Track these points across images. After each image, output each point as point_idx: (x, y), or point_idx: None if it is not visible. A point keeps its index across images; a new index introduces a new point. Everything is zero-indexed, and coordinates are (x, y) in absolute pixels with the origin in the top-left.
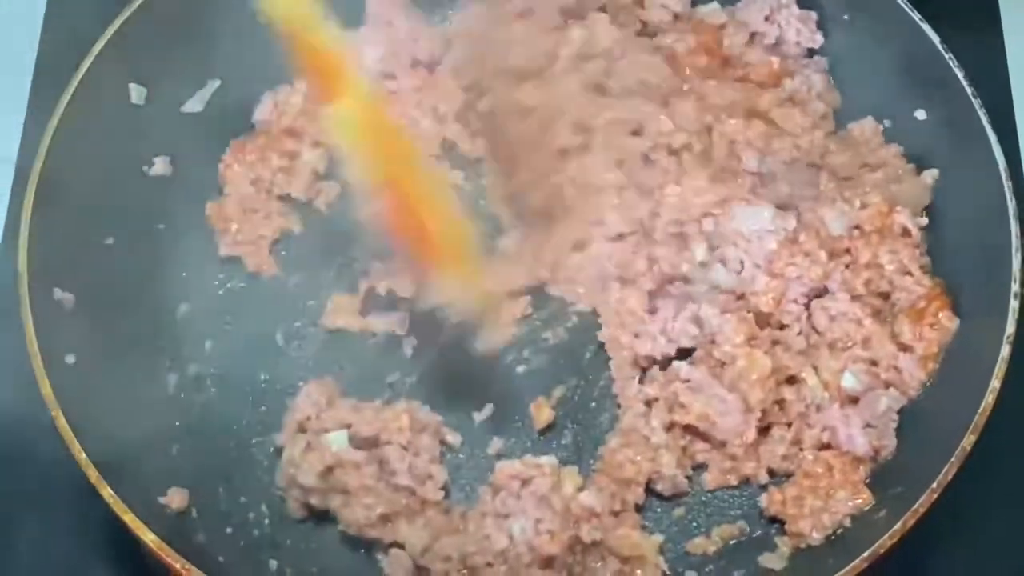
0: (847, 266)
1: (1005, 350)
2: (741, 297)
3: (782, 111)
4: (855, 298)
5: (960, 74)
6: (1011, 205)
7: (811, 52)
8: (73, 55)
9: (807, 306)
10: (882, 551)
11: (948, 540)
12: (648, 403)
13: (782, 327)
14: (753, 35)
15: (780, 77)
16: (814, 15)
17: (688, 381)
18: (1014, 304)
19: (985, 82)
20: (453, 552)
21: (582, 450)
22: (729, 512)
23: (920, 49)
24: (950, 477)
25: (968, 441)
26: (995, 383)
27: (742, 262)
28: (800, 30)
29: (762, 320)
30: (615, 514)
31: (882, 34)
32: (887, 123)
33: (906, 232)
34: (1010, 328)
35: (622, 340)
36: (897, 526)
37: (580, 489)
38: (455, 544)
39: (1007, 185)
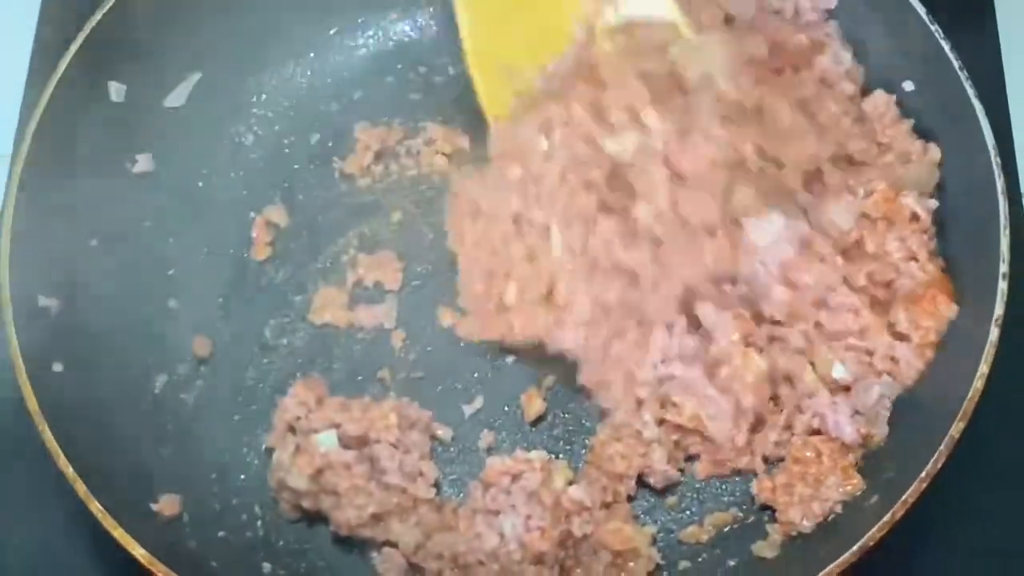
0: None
1: (994, 333)
2: (756, 309)
3: (818, 102)
4: (856, 290)
5: (947, 46)
6: (999, 182)
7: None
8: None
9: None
10: (872, 543)
11: (938, 526)
12: (639, 401)
13: (779, 322)
14: (773, 13)
15: (812, 53)
16: None
17: (681, 379)
18: (1002, 285)
19: (976, 55)
20: (445, 550)
21: (574, 440)
22: (722, 499)
23: (907, 20)
24: (939, 466)
25: (957, 429)
26: (984, 368)
27: (756, 273)
28: None
29: (759, 316)
30: (606, 506)
31: (868, 4)
32: (908, 86)
33: (915, 217)
34: (998, 310)
35: (611, 378)
36: (887, 518)
37: (570, 483)
38: (447, 542)
39: (995, 161)
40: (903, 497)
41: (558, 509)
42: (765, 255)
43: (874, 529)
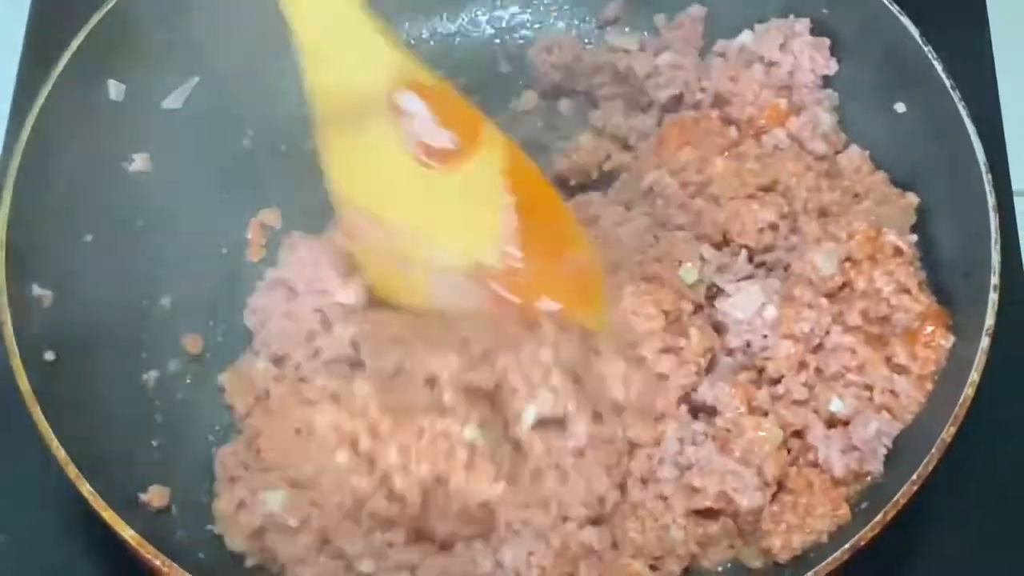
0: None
1: (984, 342)
2: (759, 370)
3: (774, 159)
4: (850, 329)
5: (939, 67)
6: (991, 199)
7: (825, 81)
8: (59, 52)
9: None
10: (863, 543)
11: (928, 533)
12: (664, 498)
13: (778, 380)
14: (769, 66)
15: (787, 115)
16: (827, 41)
17: (698, 463)
18: (993, 296)
19: (970, 73)
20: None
21: None
22: None
23: (899, 41)
24: (930, 468)
25: (948, 433)
26: (975, 375)
27: (748, 343)
28: (814, 57)
29: (757, 380)
30: (616, 545)
31: (862, 25)
32: (900, 107)
33: (898, 251)
34: (989, 320)
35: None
36: (878, 518)
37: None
38: (439, 565)
39: (987, 179)
40: (894, 498)
41: (566, 551)
42: (753, 324)
43: (865, 529)
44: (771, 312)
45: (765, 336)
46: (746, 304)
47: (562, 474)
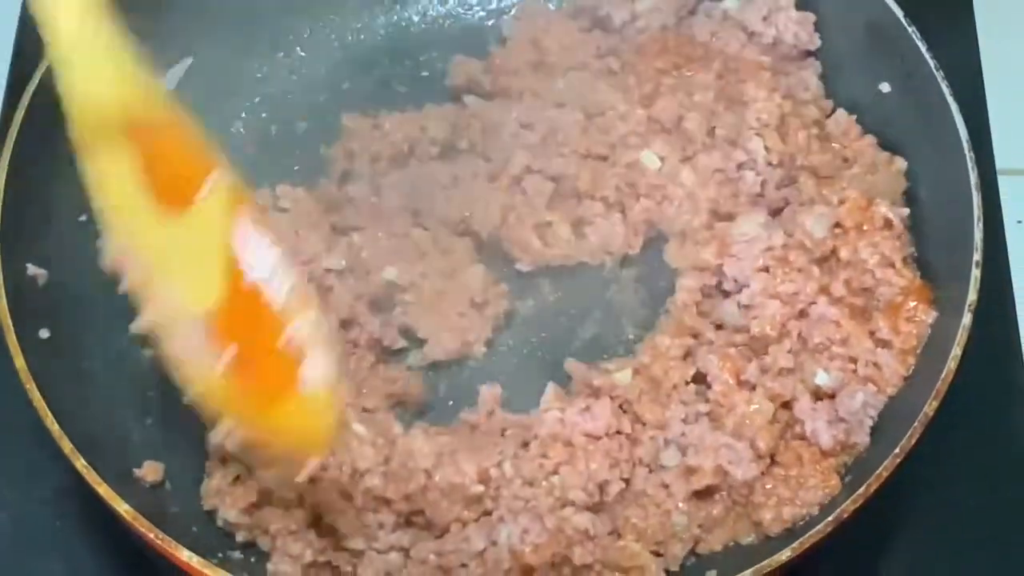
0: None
1: (967, 318)
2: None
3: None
4: (835, 301)
5: (923, 46)
6: (973, 176)
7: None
8: None
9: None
10: (846, 515)
11: (911, 505)
12: (666, 486)
13: (764, 348)
14: (751, 35)
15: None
16: (812, 16)
17: (692, 441)
18: (975, 273)
19: (953, 52)
20: (429, 555)
21: None
22: None
23: (883, 20)
24: (913, 442)
25: (931, 407)
26: (957, 350)
27: (736, 279)
28: (797, 32)
29: (745, 352)
30: (616, 531)
31: (845, 5)
32: (884, 87)
33: (887, 224)
34: (972, 296)
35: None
36: (861, 490)
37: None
38: (429, 547)
39: (969, 156)
40: (878, 471)
41: (560, 534)
42: (744, 250)
43: (848, 502)
44: (755, 249)
45: (757, 292)
46: (747, 226)
47: (569, 451)
